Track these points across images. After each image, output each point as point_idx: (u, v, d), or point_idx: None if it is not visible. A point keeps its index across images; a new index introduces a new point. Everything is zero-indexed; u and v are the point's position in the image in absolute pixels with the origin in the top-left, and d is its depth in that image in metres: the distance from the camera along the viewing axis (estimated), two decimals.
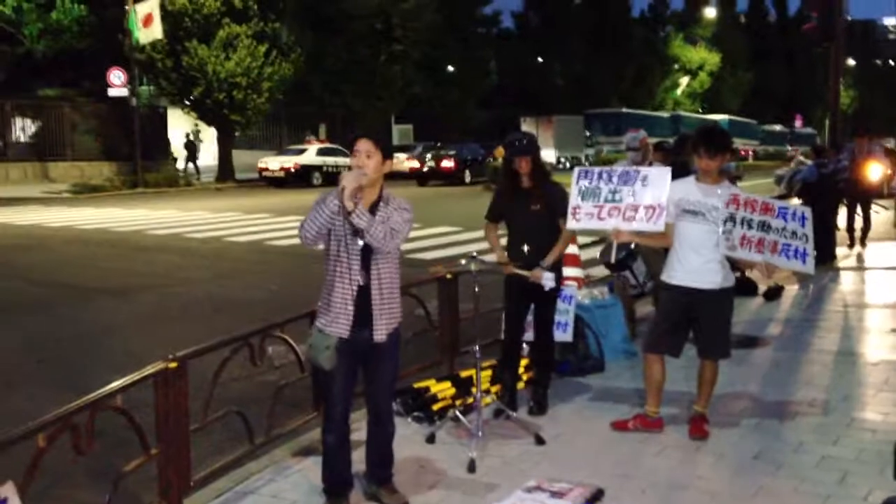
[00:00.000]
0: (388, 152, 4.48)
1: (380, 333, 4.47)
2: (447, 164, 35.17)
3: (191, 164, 36.70)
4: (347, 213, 4.21)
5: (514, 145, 6.02)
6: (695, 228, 5.43)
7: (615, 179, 5.71)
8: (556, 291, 6.15)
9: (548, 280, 5.95)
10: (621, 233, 5.63)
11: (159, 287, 11.80)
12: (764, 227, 5.41)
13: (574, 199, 5.81)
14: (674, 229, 5.53)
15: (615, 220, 5.61)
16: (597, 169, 5.93)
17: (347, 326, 4.41)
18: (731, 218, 5.37)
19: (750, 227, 5.39)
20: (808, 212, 5.57)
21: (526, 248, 6.00)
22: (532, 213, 6.00)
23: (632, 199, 5.59)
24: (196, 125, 37.19)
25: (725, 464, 5.19)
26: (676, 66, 67.43)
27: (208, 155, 42.14)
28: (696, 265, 5.45)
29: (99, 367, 7.80)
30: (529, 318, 6.34)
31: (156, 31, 29.62)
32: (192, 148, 37.09)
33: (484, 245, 6.23)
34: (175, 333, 9.08)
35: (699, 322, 5.59)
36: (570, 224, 5.85)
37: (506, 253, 6.09)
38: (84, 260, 14.42)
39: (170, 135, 37.45)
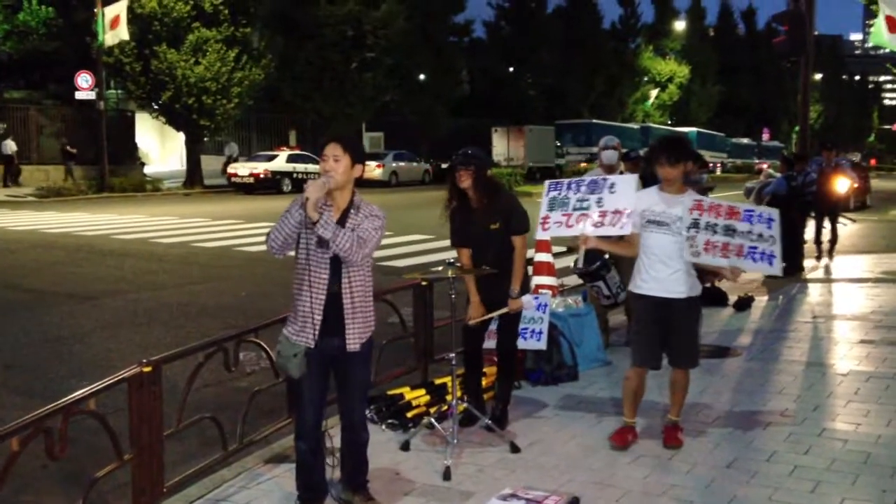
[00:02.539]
0: (357, 156, 4.37)
1: (353, 342, 4.40)
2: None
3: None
4: (312, 223, 4.15)
5: (456, 156, 5.79)
6: (661, 239, 5.44)
7: (583, 189, 5.77)
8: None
9: (528, 303, 5.90)
10: (589, 238, 5.62)
11: (126, 292, 11.67)
12: (729, 231, 5.42)
13: (543, 210, 5.83)
14: (639, 239, 5.55)
15: (582, 227, 5.64)
16: (566, 180, 5.96)
17: (314, 336, 4.34)
18: (695, 224, 5.38)
19: (714, 231, 5.39)
20: (774, 213, 5.57)
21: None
22: (491, 232, 5.80)
23: (599, 206, 5.64)
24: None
25: (699, 472, 5.20)
26: (646, 78, 67.99)
27: (176, 160, 41.88)
28: (663, 275, 5.45)
29: (67, 373, 7.71)
30: (493, 326, 6.25)
31: (121, 33, 29.30)
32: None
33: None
34: (143, 339, 8.98)
35: (668, 331, 5.60)
36: (540, 234, 5.85)
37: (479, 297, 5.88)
38: (49, 264, 14.22)
39: (137, 139, 37.16)
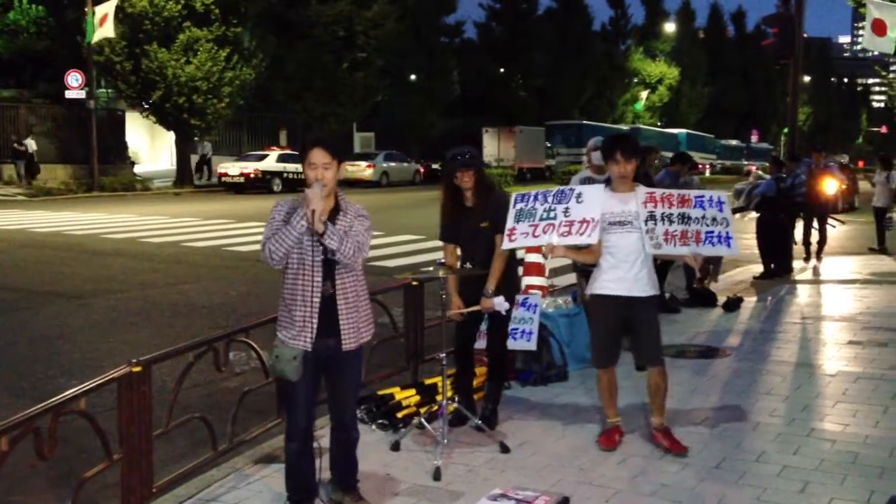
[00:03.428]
0: (342, 158, 4.39)
1: (349, 342, 4.41)
2: None
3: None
4: (319, 234, 4.15)
5: (456, 158, 5.81)
6: (624, 238, 5.47)
7: (550, 199, 5.76)
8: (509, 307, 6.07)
9: (499, 305, 5.90)
10: (555, 248, 5.62)
11: (116, 291, 11.63)
12: (684, 219, 5.48)
13: (510, 222, 5.78)
14: (602, 243, 5.56)
15: (548, 237, 5.63)
16: (533, 192, 5.96)
17: (311, 339, 4.34)
18: (651, 216, 5.45)
19: (671, 222, 5.46)
20: (724, 196, 5.65)
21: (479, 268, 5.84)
22: (481, 230, 5.86)
23: (566, 216, 5.64)
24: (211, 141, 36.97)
25: (688, 472, 5.21)
26: (636, 80, 68.11)
27: (166, 159, 41.72)
28: (629, 275, 5.49)
29: (56, 373, 7.69)
30: (484, 326, 6.26)
31: (107, 30, 29.09)
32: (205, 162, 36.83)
33: None
34: (133, 339, 8.96)
35: (634, 330, 5.62)
36: (506, 244, 5.81)
37: (456, 296, 5.91)
38: (38, 263, 14.16)
39: (127, 138, 37.07)
